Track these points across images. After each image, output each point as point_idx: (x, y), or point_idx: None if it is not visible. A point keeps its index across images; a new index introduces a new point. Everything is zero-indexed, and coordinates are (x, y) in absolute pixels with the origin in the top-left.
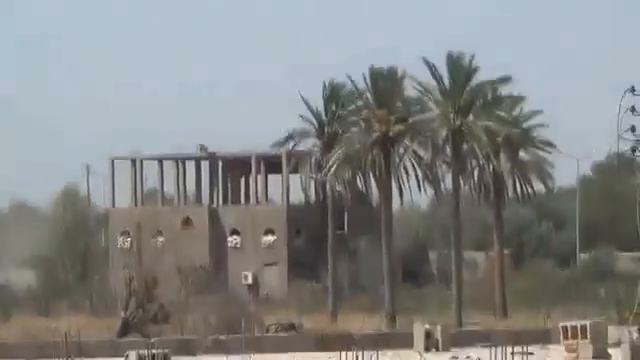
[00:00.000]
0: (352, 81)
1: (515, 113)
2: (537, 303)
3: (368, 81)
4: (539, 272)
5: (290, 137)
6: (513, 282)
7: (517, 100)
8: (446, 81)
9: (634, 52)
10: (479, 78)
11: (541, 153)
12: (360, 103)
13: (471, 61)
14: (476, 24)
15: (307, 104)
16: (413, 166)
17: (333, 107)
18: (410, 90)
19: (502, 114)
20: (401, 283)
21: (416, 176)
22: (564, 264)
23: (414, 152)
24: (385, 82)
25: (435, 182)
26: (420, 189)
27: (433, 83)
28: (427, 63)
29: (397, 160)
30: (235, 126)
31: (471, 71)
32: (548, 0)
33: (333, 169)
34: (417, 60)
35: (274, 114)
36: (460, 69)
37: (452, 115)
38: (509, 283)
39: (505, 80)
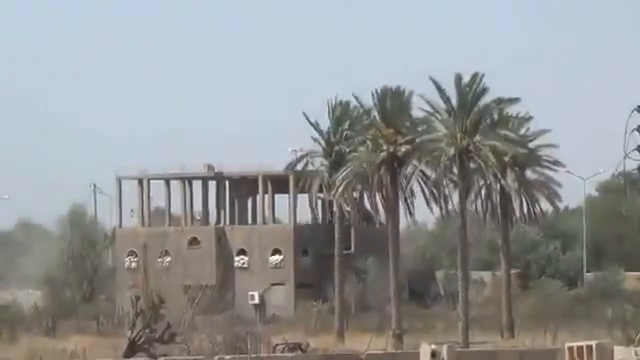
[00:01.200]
0: (358, 100)
1: (522, 132)
2: (544, 323)
3: (376, 100)
4: (546, 292)
5: (301, 159)
6: (520, 302)
7: (524, 120)
8: (454, 101)
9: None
10: (487, 98)
11: (548, 172)
12: (367, 122)
13: (479, 81)
14: (485, 44)
15: (312, 124)
16: (420, 186)
17: (341, 126)
18: (418, 110)
19: (509, 134)
20: (408, 303)
21: (424, 196)
22: (571, 284)
23: (421, 172)
24: (393, 101)
25: (442, 202)
26: (429, 207)
27: (441, 103)
28: (435, 83)
29: (404, 180)
30: (243, 146)
31: (479, 91)
32: (556, 20)
33: (340, 189)
34: (425, 80)
35: (281, 132)
36: (468, 89)
37: (459, 135)
38: (516, 303)
39: (513, 101)
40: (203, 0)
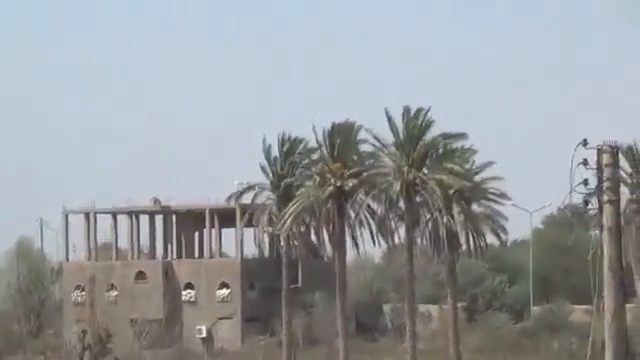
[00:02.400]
0: (313, 134)
1: (468, 166)
2: (491, 356)
3: (325, 135)
4: (493, 325)
5: (245, 190)
6: (467, 335)
7: (469, 153)
8: (401, 135)
9: (586, 106)
10: (433, 131)
11: (494, 206)
12: (315, 157)
13: (425, 115)
14: (430, 78)
15: (265, 155)
16: (367, 220)
17: (289, 161)
18: (366, 145)
19: (455, 167)
20: (355, 336)
21: (370, 230)
22: (518, 317)
23: (368, 205)
24: (341, 136)
25: (388, 236)
26: (374, 243)
27: (388, 137)
28: (387, 115)
29: (351, 214)
30: (190, 179)
31: (425, 125)
32: (502, 52)
33: (288, 223)
34: (374, 115)
35: (228, 166)
36: (414, 123)
37: (406, 168)
38: (463, 336)
39: (460, 136)
40: (143, 38)
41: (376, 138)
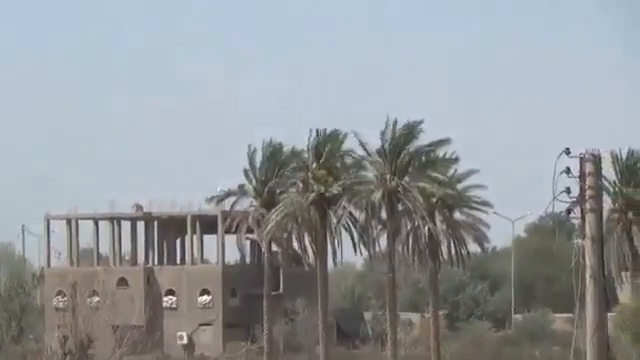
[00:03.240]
0: (309, 142)
1: (449, 174)
2: None
3: (310, 141)
4: (474, 333)
5: (226, 196)
6: (448, 343)
7: (451, 161)
8: (385, 143)
9: (569, 114)
10: (416, 140)
11: (476, 214)
12: (299, 163)
13: (409, 123)
14: (411, 84)
15: (250, 159)
16: (349, 227)
17: (273, 167)
18: (351, 152)
19: (438, 175)
20: (337, 344)
21: (352, 237)
22: (499, 325)
23: (350, 213)
24: (326, 143)
25: (369, 244)
26: (355, 250)
27: (372, 145)
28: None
29: (334, 221)
30: (171, 185)
31: (411, 134)
32: (485, 60)
33: (270, 228)
34: (359, 122)
35: (210, 173)
36: (397, 131)
37: (388, 176)
38: (444, 344)
39: (443, 143)
40: (130, 39)
41: (361, 144)
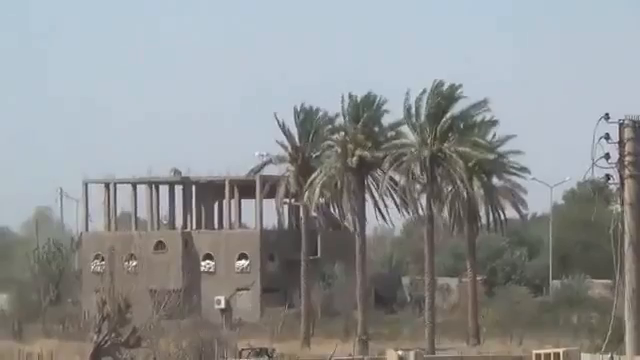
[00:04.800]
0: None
1: (488, 138)
2: (510, 330)
3: (347, 105)
4: (512, 299)
5: (265, 164)
6: (486, 308)
7: (490, 124)
8: (425, 108)
9: (610, 79)
10: (457, 105)
11: (515, 179)
12: (336, 127)
13: (449, 88)
14: (450, 51)
15: (281, 127)
16: (389, 191)
17: (307, 131)
18: (387, 116)
19: (478, 140)
20: (374, 308)
21: (394, 201)
22: (537, 291)
23: (390, 178)
24: (363, 107)
25: (411, 207)
26: (399, 211)
27: (411, 109)
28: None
29: (373, 185)
30: (209, 149)
31: (451, 99)
32: (522, 26)
33: (307, 194)
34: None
35: (246, 137)
36: (440, 96)
37: (429, 140)
38: (482, 309)
39: (481, 105)
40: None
41: (405, 108)
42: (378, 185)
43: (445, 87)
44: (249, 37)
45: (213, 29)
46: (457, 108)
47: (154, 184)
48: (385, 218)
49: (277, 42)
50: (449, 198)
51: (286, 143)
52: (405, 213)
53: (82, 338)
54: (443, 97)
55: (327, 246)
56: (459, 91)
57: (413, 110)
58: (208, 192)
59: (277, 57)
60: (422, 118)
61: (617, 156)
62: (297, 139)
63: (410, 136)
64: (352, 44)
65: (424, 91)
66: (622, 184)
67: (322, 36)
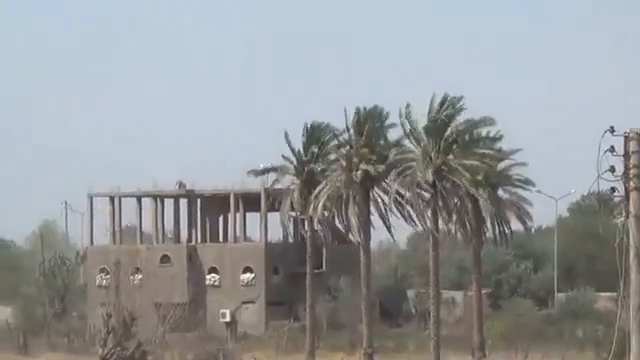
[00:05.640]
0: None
1: (493, 152)
2: (515, 343)
3: (351, 120)
4: (517, 312)
5: (267, 170)
6: (491, 321)
7: (495, 139)
8: (430, 121)
9: (614, 93)
10: (460, 117)
11: (519, 192)
12: (342, 141)
13: (456, 102)
14: (456, 62)
15: (288, 141)
16: (395, 205)
17: (313, 146)
18: (393, 130)
19: (486, 151)
20: (379, 322)
21: (402, 214)
22: (542, 304)
23: (396, 191)
24: (369, 121)
25: (417, 220)
26: (407, 222)
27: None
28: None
29: (378, 199)
30: (214, 164)
31: (454, 111)
32: (528, 36)
33: (313, 207)
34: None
35: (253, 153)
36: (444, 109)
37: (434, 154)
38: (487, 322)
39: (488, 121)
40: (161, 21)
41: (408, 121)
42: (383, 198)
43: (448, 99)
44: (252, 49)
45: (221, 35)
46: (461, 121)
47: (159, 197)
48: (391, 232)
49: (281, 61)
50: (455, 211)
51: (292, 157)
52: (411, 226)
53: (87, 352)
54: (446, 109)
55: (332, 259)
56: (461, 103)
57: (416, 123)
58: (213, 205)
59: (285, 74)
60: (425, 130)
61: (622, 169)
62: (302, 153)
63: (414, 149)
64: (363, 60)
65: (430, 101)
66: (627, 196)
67: (338, 53)
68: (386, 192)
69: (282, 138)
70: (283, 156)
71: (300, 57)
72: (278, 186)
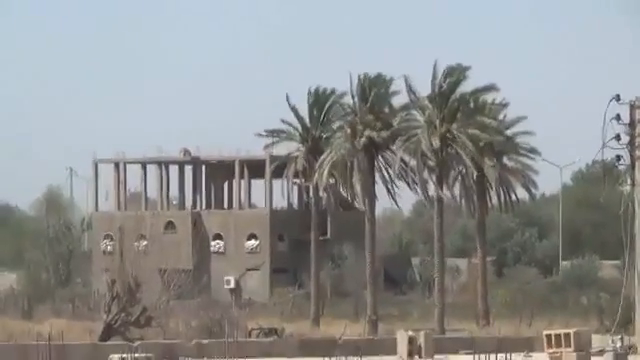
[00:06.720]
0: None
1: (499, 119)
2: (519, 311)
3: (356, 87)
4: (521, 280)
5: (272, 133)
6: (495, 289)
7: (500, 106)
8: (435, 89)
9: (620, 61)
10: (464, 85)
11: (525, 160)
12: (346, 108)
13: (458, 69)
14: (460, 31)
15: (293, 108)
16: (399, 172)
17: (317, 112)
18: (396, 98)
19: (488, 121)
20: (384, 289)
21: (405, 181)
22: (547, 272)
23: (400, 158)
24: (373, 88)
25: (421, 188)
26: (409, 188)
27: (420, 91)
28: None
29: (383, 166)
30: (219, 130)
31: (459, 80)
32: (535, 12)
33: (317, 174)
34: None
35: (257, 119)
36: (448, 77)
37: (438, 122)
38: (491, 290)
39: (490, 88)
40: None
41: (411, 90)
42: (389, 165)
43: (453, 68)
44: (258, 20)
45: (226, 16)
46: (465, 89)
47: (164, 164)
48: (395, 199)
49: (285, 29)
50: (458, 178)
51: (296, 123)
52: (416, 193)
53: (92, 318)
54: (451, 77)
55: (337, 226)
56: (467, 72)
57: (419, 90)
58: (218, 172)
59: (291, 41)
60: (430, 98)
61: (628, 137)
62: (307, 120)
63: (418, 117)
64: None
65: (433, 68)
66: (633, 165)
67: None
68: (389, 161)
69: (286, 104)
70: (283, 120)
71: (305, 28)
72: (282, 151)
